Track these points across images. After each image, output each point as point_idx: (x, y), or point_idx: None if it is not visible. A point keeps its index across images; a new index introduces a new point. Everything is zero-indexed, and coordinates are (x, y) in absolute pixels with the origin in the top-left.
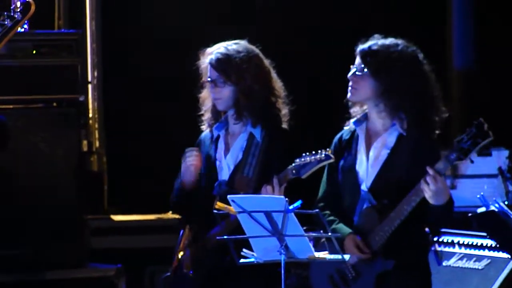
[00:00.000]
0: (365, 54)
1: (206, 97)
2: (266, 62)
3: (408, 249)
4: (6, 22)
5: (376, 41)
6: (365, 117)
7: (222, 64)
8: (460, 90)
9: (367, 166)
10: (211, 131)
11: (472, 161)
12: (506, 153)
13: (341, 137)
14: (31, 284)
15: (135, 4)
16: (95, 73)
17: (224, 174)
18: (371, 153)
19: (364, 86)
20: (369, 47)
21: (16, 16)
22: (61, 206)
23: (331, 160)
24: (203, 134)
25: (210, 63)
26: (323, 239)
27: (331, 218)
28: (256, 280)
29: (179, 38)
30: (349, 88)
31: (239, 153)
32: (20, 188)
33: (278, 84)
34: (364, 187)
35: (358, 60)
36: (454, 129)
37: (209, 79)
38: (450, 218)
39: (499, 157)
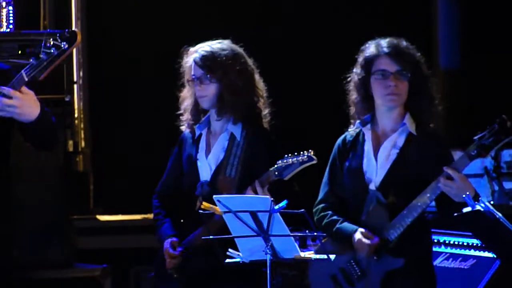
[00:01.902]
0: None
1: (187, 96)
2: (250, 61)
3: (417, 248)
4: (52, 51)
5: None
6: (370, 119)
7: (207, 61)
8: (445, 89)
9: (376, 166)
10: (191, 131)
11: (493, 158)
12: (492, 152)
13: (344, 138)
14: (17, 284)
15: (121, 4)
16: (81, 73)
17: (206, 174)
18: (380, 153)
19: (404, 89)
20: (398, 49)
21: (62, 45)
22: (47, 206)
23: (314, 162)
24: (185, 133)
25: (195, 61)
26: (324, 240)
27: (335, 217)
28: (241, 281)
29: (166, 38)
30: (392, 92)
31: (221, 153)
32: (5, 188)
33: (260, 84)
34: (372, 186)
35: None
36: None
37: (193, 76)
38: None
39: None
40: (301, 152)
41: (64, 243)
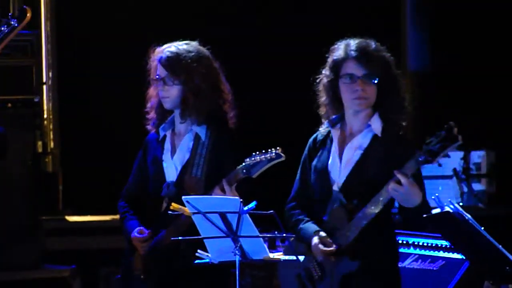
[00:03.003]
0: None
1: (153, 95)
2: (216, 64)
3: (376, 252)
4: (3, 28)
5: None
6: (339, 119)
7: (172, 62)
8: (414, 91)
9: (339, 166)
10: (157, 131)
11: (440, 164)
12: (461, 154)
13: (315, 137)
14: None
15: (90, 4)
16: (50, 74)
17: (171, 175)
18: (344, 154)
19: (372, 93)
20: (366, 52)
21: (13, 22)
22: (16, 207)
23: (282, 159)
24: (149, 135)
25: (160, 61)
26: (292, 239)
27: (300, 217)
28: (209, 282)
29: (134, 38)
30: (359, 96)
31: (186, 154)
32: None
33: (226, 87)
34: (335, 187)
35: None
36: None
37: (157, 76)
38: (423, 220)
39: (454, 159)
40: (269, 150)
41: (33, 244)
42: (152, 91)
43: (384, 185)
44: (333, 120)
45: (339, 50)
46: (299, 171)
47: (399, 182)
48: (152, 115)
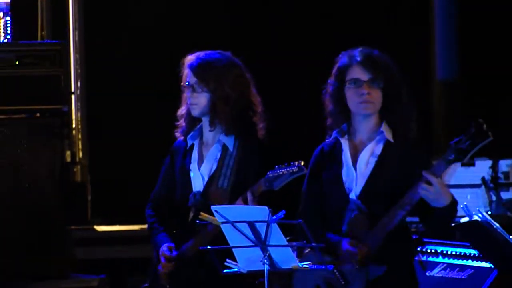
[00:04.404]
0: (368, 64)
1: (184, 102)
2: (247, 75)
3: (399, 255)
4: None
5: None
6: (346, 128)
7: (202, 69)
8: (443, 100)
9: (355, 175)
10: (185, 140)
11: (473, 164)
12: (489, 163)
13: (322, 149)
14: None
15: (118, 14)
16: (78, 84)
17: (198, 185)
18: (359, 162)
19: (378, 97)
20: (370, 57)
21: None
22: (45, 216)
23: (304, 172)
24: (176, 142)
25: (190, 68)
26: (307, 250)
27: (318, 226)
28: None
29: (162, 47)
30: (365, 100)
31: (214, 164)
32: (3, 198)
33: (256, 98)
34: (352, 196)
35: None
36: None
37: (187, 83)
38: (454, 219)
39: (482, 167)
40: (292, 163)
41: (62, 254)
42: (183, 98)
43: (403, 190)
44: (342, 129)
45: (343, 58)
46: (306, 184)
47: (428, 183)
48: (181, 122)
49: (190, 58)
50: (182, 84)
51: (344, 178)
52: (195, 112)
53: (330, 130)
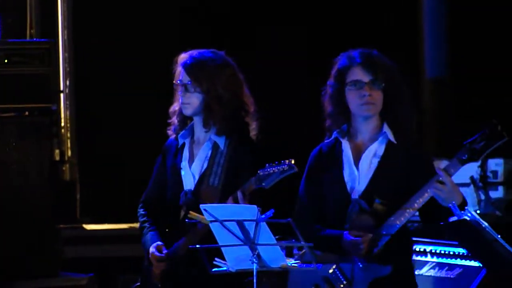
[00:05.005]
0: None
1: (176, 100)
2: (240, 75)
3: (402, 255)
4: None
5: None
6: (348, 129)
7: (195, 69)
8: (432, 98)
9: (358, 175)
10: (176, 138)
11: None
12: (478, 162)
13: (320, 150)
14: None
15: (107, 13)
16: (67, 82)
17: (189, 183)
18: (361, 163)
19: (379, 98)
20: (370, 59)
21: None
22: (33, 215)
23: (295, 170)
24: (168, 141)
25: (183, 66)
26: (305, 249)
27: (318, 227)
28: None
29: (152, 46)
30: (366, 101)
31: (204, 162)
32: None
33: (249, 99)
34: (355, 195)
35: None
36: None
37: (179, 82)
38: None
39: (471, 166)
40: (282, 161)
41: (51, 252)
42: (176, 95)
43: (406, 189)
44: (343, 130)
45: (342, 59)
46: (302, 185)
47: (441, 182)
48: (173, 119)
49: (183, 57)
50: (174, 82)
51: (346, 178)
52: (187, 112)
53: (329, 131)
